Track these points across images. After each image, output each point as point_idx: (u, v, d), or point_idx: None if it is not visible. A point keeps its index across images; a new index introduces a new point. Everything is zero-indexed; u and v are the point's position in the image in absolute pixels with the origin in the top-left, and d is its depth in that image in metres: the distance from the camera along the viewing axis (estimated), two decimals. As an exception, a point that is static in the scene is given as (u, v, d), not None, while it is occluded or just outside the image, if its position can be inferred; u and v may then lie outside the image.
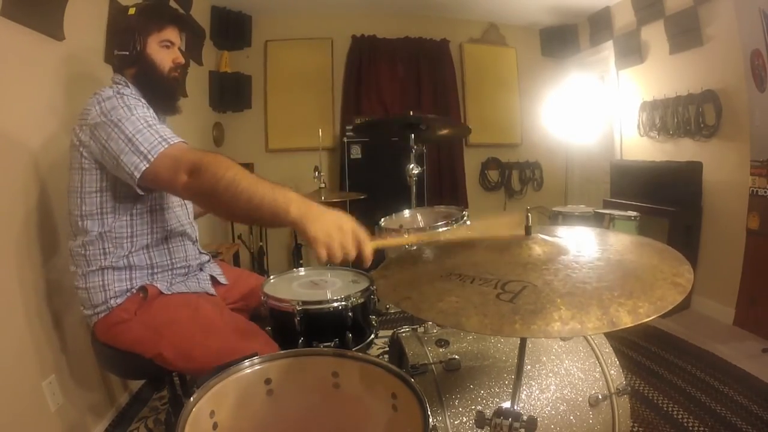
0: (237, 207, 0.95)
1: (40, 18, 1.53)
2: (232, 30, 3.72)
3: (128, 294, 1.21)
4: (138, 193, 1.12)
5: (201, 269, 1.41)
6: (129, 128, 1.07)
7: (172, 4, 2.71)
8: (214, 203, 1.01)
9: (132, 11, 1.26)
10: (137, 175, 1.05)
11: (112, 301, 1.20)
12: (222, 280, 1.46)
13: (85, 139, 1.15)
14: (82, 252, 1.22)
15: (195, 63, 3.23)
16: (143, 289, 1.21)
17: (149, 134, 1.07)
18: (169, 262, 1.29)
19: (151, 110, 1.20)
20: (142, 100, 1.20)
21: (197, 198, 1.11)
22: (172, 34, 1.29)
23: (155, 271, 1.26)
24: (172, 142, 1.07)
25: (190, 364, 1.18)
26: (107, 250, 1.21)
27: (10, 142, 1.41)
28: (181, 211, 1.35)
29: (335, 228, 0.88)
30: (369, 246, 0.90)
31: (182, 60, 1.31)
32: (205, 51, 3.44)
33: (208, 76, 3.58)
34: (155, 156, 1.05)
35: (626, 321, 0.59)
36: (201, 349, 1.15)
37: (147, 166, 1.05)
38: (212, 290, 1.36)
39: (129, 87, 1.23)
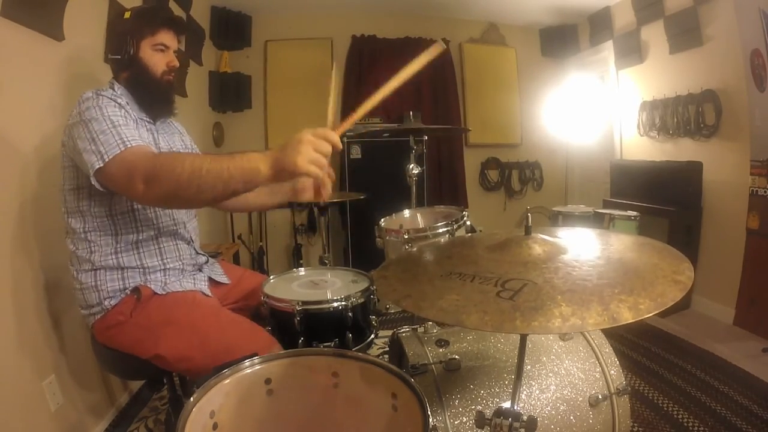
0: (207, 192, 0.96)
1: (40, 18, 1.53)
2: (232, 30, 3.71)
3: (122, 295, 1.21)
4: (102, 191, 1.12)
5: (200, 270, 1.40)
6: (95, 128, 1.08)
7: (172, 4, 2.71)
8: (182, 199, 1.03)
9: (127, 15, 1.27)
10: (91, 173, 1.06)
11: (107, 302, 1.20)
12: (223, 279, 1.45)
13: (65, 139, 1.18)
14: (73, 249, 1.23)
15: (195, 63, 3.23)
16: (136, 290, 1.21)
17: (111, 135, 1.07)
18: (160, 262, 1.27)
19: (125, 110, 1.18)
20: (121, 101, 1.19)
21: (161, 203, 1.11)
22: (166, 37, 1.28)
23: (147, 271, 1.25)
24: (129, 145, 1.07)
25: (187, 365, 1.18)
26: (92, 248, 1.21)
27: (9, 142, 1.42)
28: (172, 211, 1.32)
29: (301, 147, 0.91)
30: (334, 135, 0.96)
31: (176, 63, 1.31)
32: (205, 51, 3.44)
33: (208, 76, 3.58)
34: (110, 157, 1.05)
35: (627, 317, 0.59)
36: (198, 349, 1.15)
37: (101, 165, 1.05)
38: (208, 291, 1.35)
39: (115, 89, 1.24)
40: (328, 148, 0.95)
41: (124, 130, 1.09)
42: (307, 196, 1.27)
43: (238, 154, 0.98)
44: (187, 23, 2.95)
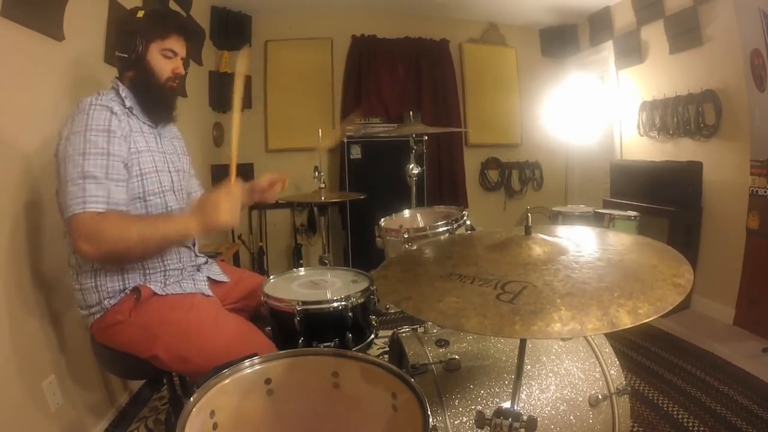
0: (149, 253, 1.20)
1: (40, 18, 1.52)
2: (232, 30, 3.71)
3: (122, 295, 1.21)
4: None
5: (198, 270, 1.40)
6: (69, 170, 1.08)
7: (172, 4, 2.71)
8: (126, 259, 1.19)
9: (140, 14, 1.25)
10: (63, 218, 1.11)
11: (106, 302, 1.19)
12: (222, 278, 1.46)
13: (59, 148, 1.16)
14: (71, 251, 1.22)
15: (195, 63, 3.23)
16: (136, 290, 1.21)
17: (78, 188, 1.07)
18: (161, 263, 1.27)
19: (117, 121, 1.15)
20: (118, 109, 1.17)
21: (104, 261, 1.17)
22: (175, 43, 1.27)
23: (148, 272, 1.25)
24: (86, 208, 1.06)
25: (185, 366, 1.18)
26: None
27: (8, 142, 1.41)
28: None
29: (220, 208, 1.12)
30: (237, 187, 1.18)
31: (182, 71, 1.31)
32: (205, 51, 3.44)
33: (208, 76, 3.58)
34: (68, 216, 1.07)
35: (626, 322, 0.59)
36: (196, 350, 1.15)
37: (66, 217, 1.09)
38: (208, 291, 1.35)
39: (120, 92, 1.23)
40: (238, 198, 1.17)
41: (90, 185, 1.07)
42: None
43: (171, 219, 1.22)
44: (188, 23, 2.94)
